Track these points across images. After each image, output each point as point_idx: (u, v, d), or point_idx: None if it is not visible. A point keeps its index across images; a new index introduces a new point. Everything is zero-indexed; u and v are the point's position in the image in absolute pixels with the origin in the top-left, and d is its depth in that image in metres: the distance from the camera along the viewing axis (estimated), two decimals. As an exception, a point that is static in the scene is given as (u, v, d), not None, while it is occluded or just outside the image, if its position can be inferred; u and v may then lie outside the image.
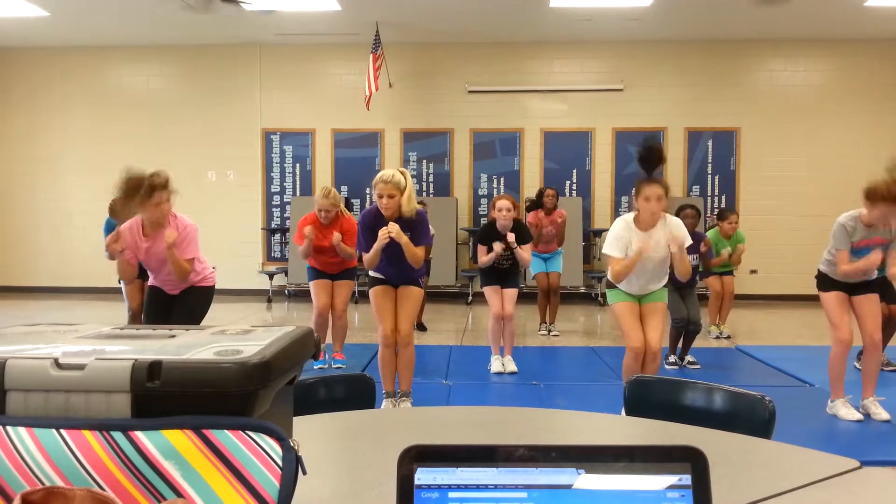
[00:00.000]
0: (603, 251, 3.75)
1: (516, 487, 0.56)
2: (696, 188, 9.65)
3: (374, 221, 3.81)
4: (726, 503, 0.98)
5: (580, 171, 9.73)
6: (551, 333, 6.71)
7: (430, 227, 4.41)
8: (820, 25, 8.82)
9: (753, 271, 9.33)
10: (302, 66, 9.78)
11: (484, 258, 5.09)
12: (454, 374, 5.07)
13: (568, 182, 9.72)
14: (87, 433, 0.63)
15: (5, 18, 8.56)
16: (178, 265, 3.71)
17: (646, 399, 1.71)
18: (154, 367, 0.65)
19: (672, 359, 5.29)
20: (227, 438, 0.64)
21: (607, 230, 3.85)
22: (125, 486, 0.62)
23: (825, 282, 3.89)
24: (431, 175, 9.83)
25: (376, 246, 3.71)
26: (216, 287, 4.08)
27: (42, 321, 0.89)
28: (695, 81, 9.56)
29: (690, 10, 8.20)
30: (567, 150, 9.71)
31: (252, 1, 7.48)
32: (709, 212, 9.38)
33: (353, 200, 9.79)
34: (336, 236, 4.80)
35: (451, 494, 0.56)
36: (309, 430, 1.29)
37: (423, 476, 0.57)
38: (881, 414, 3.85)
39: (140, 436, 0.63)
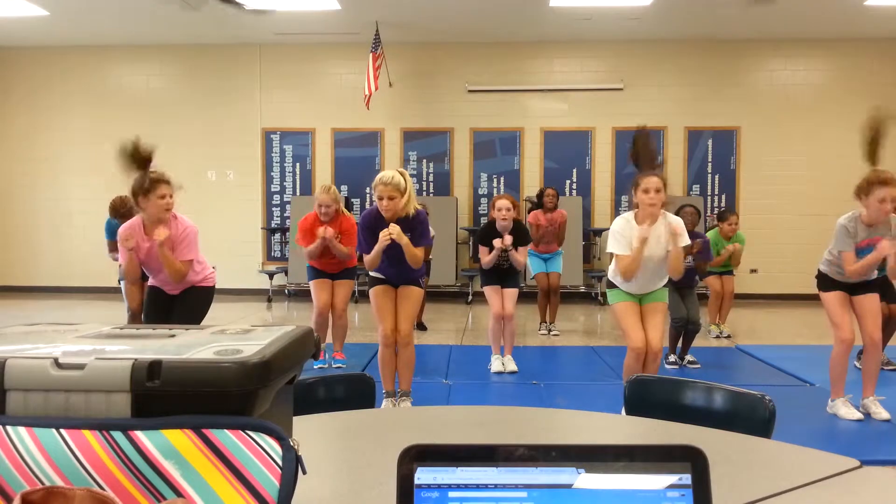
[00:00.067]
0: (608, 250, 3.74)
1: (516, 487, 0.56)
2: (696, 187, 9.65)
3: (374, 223, 3.80)
4: (726, 503, 0.98)
5: (580, 170, 9.73)
6: (551, 333, 6.71)
7: (431, 228, 4.41)
8: (820, 25, 8.81)
9: (753, 270, 9.34)
10: (302, 66, 9.78)
11: (486, 258, 5.09)
12: (454, 374, 5.06)
13: (568, 181, 9.72)
14: (86, 433, 0.63)
15: (5, 18, 8.56)
16: (171, 264, 3.68)
17: (646, 398, 1.71)
18: (154, 367, 0.65)
19: (672, 358, 5.29)
20: (227, 438, 0.64)
21: (607, 230, 3.84)
22: (125, 486, 0.62)
23: (825, 282, 3.89)
24: (431, 174, 9.83)
25: (377, 247, 3.71)
26: (216, 287, 4.08)
27: (42, 321, 0.89)
28: (695, 81, 9.56)
29: (690, 9, 8.20)
30: (567, 150, 9.71)
31: (248, 1, 7.48)
32: (709, 211, 9.39)
33: (353, 200, 9.79)
34: (330, 231, 4.79)
35: (451, 494, 0.56)
36: (309, 430, 1.29)
37: (423, 475, 0.57)
38: (881, 413, 3.85)
39: (140, 435, 0.63)
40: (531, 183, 9.60)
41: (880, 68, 9.40)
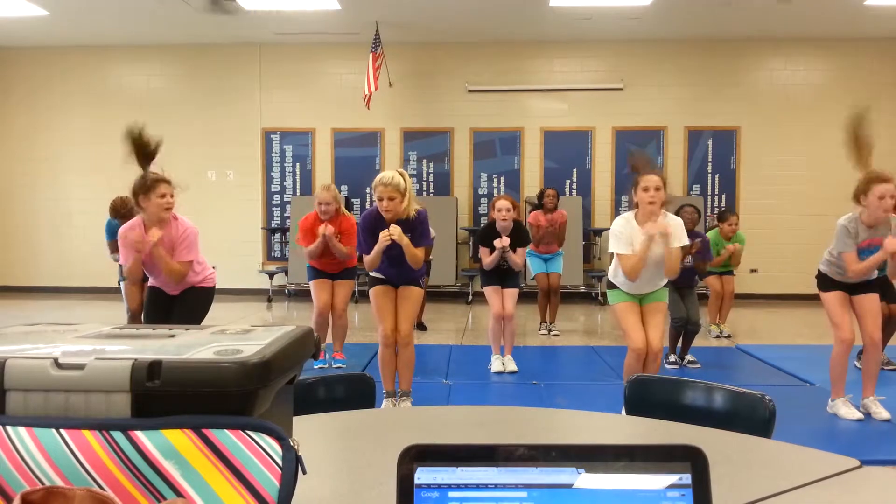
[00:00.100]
0: (610, 251, 3.74)
1: (516, 487, 0.56)
2: (696, 187, 9.65)
3: (374, 223, 3.80)
4: (726, 502, 0.98)
5: (580, 170, 9.73)
6: (551, 333, 6.71)
7: (431, 228, 4.41)
8: (820, 25, 8.81)
9: (753, 270, 9.33)
10: (302, 66, 9.78)
11: (487, 260, 5.09)
12: (454, 374, 5.06)
13: (568, 181, 9.71)
14: (86, 433, 0.63)
15: (5, 18, 8.56)
16: (166, 265, 3.67)
17: (646, 398, 1.71)
18: (154, 367, 0.65)
19: (672, 358, 5.29)
20: (227, 438, 0.64)
21: (608, 230, 3.83)
22: (125, 486, 0.62)
23: (825, 282, 3.89)
24: (431, 174, 9.83)
25: (377, 248, 3.71)
26: (216, 287, 4.08)
27: (42, 321, 0.89)
28: (695, 81, 9.56)
29: (690, 9, 8.20)
30: (567, 150, 9.71)
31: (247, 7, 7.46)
32: (709, 211, 9.39)
33: (353, 200, 9.79)
34: (331, 228, 4.79)
35: (451, 494, 0.56)
36: (309, 430, 1.29)
37: (423, 475, 0.57)
38: (881, 413, 3.85)
39: (140, 435, 0.63)
40: (531, 183, 9.60)
41: (880, 68, 9.40)
